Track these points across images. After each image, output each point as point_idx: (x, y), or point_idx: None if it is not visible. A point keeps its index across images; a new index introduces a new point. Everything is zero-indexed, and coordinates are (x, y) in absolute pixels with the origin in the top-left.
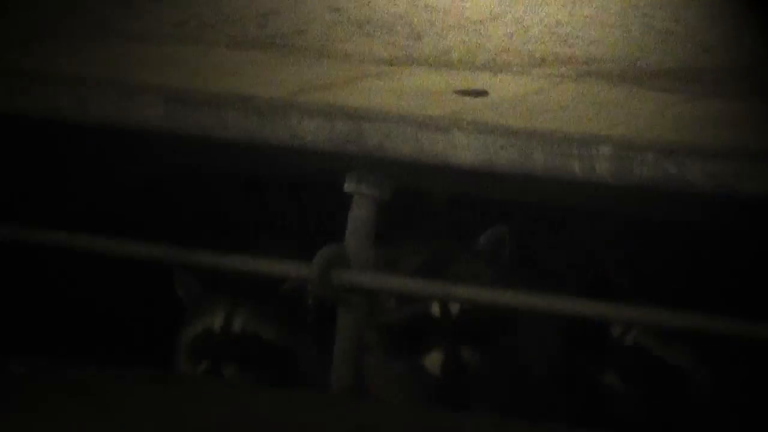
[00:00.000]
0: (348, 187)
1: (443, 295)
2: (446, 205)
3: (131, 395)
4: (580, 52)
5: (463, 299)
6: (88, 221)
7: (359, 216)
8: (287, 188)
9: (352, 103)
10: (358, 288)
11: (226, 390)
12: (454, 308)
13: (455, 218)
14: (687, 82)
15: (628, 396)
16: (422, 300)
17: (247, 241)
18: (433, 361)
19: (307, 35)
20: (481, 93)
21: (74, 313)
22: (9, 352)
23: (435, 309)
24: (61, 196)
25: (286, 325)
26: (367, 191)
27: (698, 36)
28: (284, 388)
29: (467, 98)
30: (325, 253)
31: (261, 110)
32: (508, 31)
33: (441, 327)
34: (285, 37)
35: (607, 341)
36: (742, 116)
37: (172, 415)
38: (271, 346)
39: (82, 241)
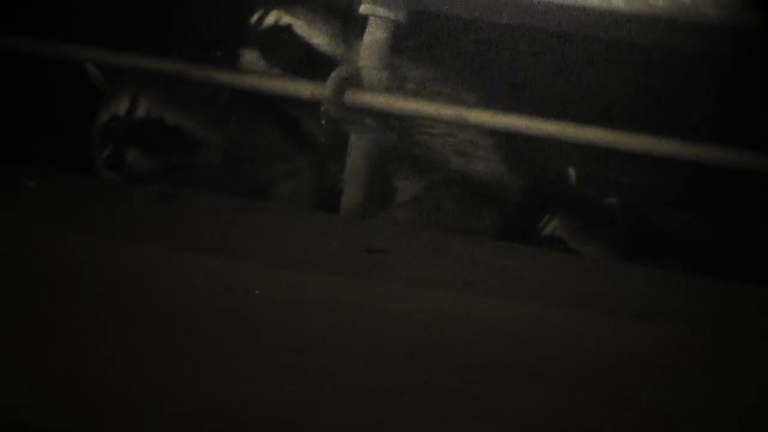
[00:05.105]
0: (364, 8)
1: (456, 119)
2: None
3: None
4: None
5: (476, 123)
6: None
7: (374, 37)
8: None
9: None
10: (371, 109)
11: (232, 207)
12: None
13: (470, 42)
14: None
15: None
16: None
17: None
18: None
19: None
20: None
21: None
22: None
23: None
24: None
25: (196, 114)
26: (382, 13)
27: None
28: (292, 208)
29: None
30: (339, 73)
31: None
32: None
33: None
34: None
35: None
36: None
37: (175, 229)
38: (176, 132)
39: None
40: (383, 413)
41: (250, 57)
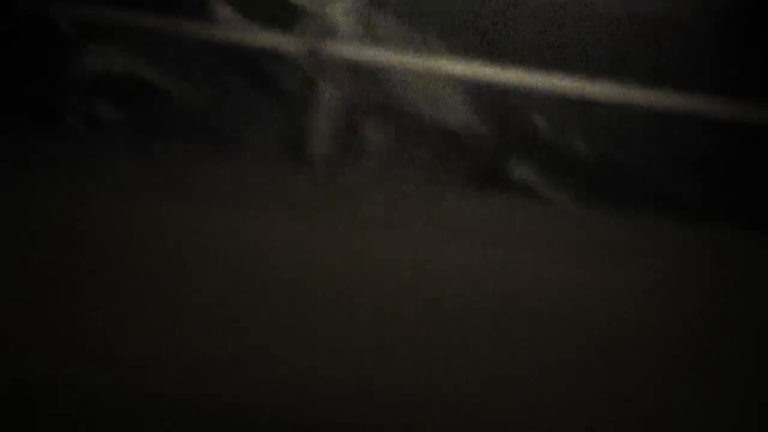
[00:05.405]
0: None
1: (427, 70)
2: None
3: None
4: None
5: (447, 74)
6: None
7: None
8: None
9: None
10: (343, 61)
11: (203, 157)
12: None
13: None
14: None
15: None
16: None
17: None
18: None
19: None
20: None
21: None
22: None
23: None
24: None
25: (167, 67)
26: None
27: None
28: (260, 158)
29: None
30: (312, 25)
31: None
32: None
33: None
34: None
35: None
36: None
37: (147, 179)
38: (148, 85)
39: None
40: (356, 355)
41: (223, 10)
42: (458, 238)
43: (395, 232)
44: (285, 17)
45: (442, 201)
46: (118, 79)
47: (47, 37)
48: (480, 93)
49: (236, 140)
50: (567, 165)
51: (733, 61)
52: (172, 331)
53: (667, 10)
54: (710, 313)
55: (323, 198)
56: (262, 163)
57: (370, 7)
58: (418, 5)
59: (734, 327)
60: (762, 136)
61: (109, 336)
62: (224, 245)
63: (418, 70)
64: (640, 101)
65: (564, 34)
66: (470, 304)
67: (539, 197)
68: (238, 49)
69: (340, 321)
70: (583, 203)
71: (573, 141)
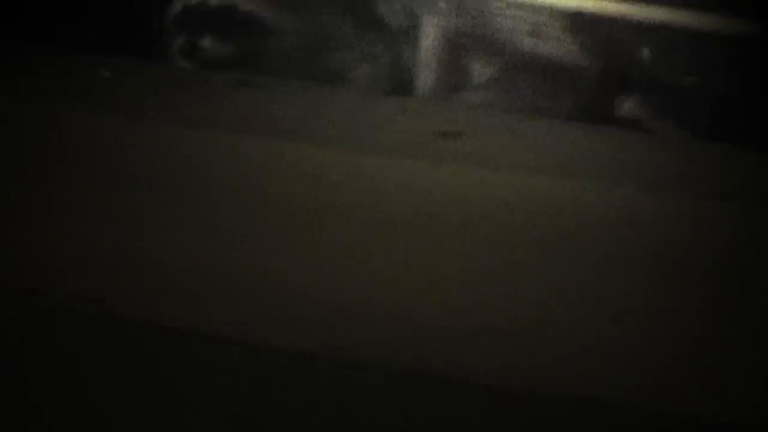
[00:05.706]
0: None
1: (531, 1)
2: None
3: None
4: None
5: (548, 4)
6: None
7: None
8: None
9: None
10: None
11: (307, 93)
12: None
13: None
14: None
15: None
16: None
17: None
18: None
19: None
20: None
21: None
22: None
23: None
24: None
25: (269, 0)
26: None
27: None
28: (367, 93)
29: None
30: None
31: None
32: None
33: None
34: None
35: None
36: None
37: (251, 116)
38: (250, 19)
39: None
40: (454, 296)
41: None
42: (563, 173)
43: (498, 167)
44: None
45: (547, 135)
46: (223, 13)
47: None
48: (585, 25)
49: (342, 77)
50: (675, 98)
51: None
52: (258, 263)
53: None
54: None
55: (427, 132)
56: (367, 100)
57: None
58: None
59: None
60: None
61: (172, 269)
62: (329, 183)
63: (522, 1)
64: (747, 34)
65: None
66: (575, 239)
67: (646, 131)
68: None
69: (431, 257)
70: (690, 137)
71: (681, 74)
